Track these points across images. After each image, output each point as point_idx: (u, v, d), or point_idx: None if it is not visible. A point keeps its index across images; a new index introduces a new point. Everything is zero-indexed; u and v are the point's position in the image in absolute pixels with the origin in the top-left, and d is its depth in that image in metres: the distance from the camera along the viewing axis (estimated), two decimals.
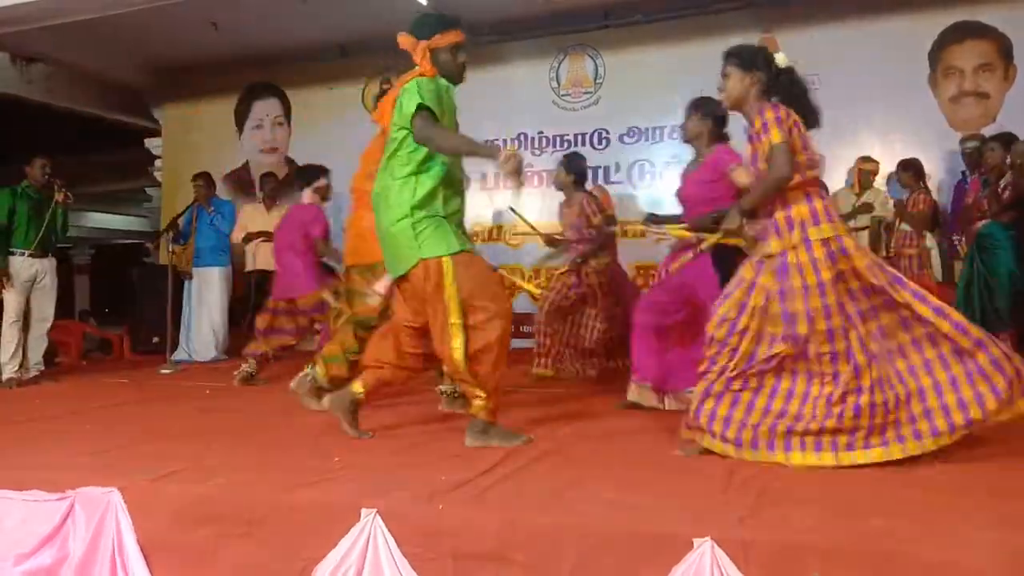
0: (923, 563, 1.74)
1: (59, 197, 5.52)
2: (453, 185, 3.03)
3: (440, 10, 6.72)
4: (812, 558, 1.80)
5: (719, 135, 3.71)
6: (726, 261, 3.36)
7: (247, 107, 8.64)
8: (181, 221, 6.71)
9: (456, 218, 3.05)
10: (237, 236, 6.93)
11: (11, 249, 5.38)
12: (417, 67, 3.02)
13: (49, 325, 5.59)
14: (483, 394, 2.92)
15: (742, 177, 3.36)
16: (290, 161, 8.46)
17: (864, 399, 2.55)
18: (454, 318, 2.86)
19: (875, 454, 2.55)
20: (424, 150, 2.92)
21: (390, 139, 3.01)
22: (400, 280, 3.04)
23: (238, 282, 7.18)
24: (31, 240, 5.40)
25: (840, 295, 2.62)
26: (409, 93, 2.91)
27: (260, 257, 6.93)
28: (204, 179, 6.95)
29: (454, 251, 2.89)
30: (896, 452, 2.55)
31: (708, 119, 3.67)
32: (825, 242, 2.64)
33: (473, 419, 2.97)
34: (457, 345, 2.86)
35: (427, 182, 2.93)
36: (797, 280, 2.63)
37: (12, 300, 5.35)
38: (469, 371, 2.88)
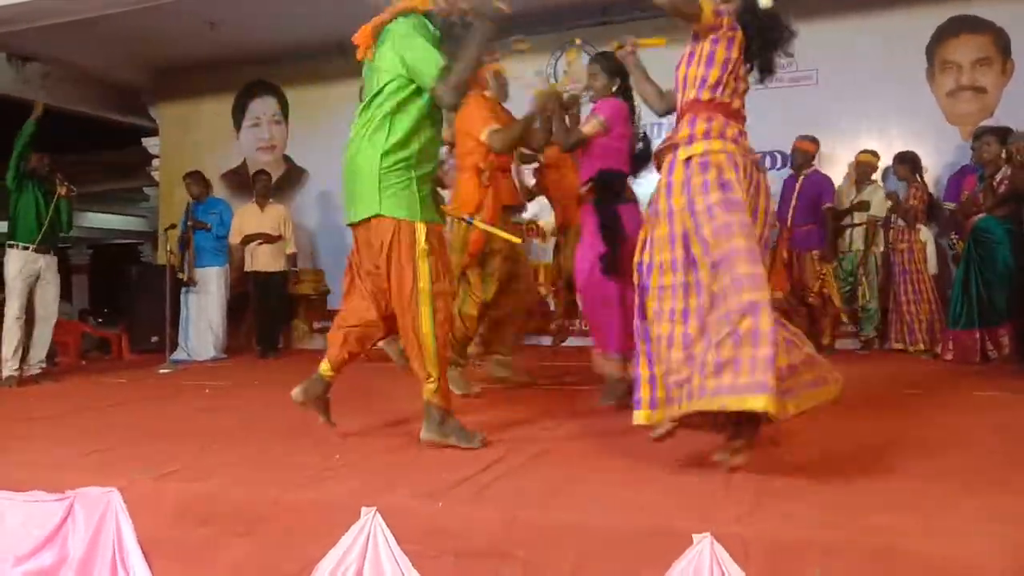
0: (924, 558, 1.74)
1: (62, 191, 5.52)
2: (432, 141, 2.84)
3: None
4: (813, 554, 1.80)
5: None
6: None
7: (244, 106, 8.63)
8: (178, 228, 6.79)
9: (429, 179, 2.84)
10: (235, 239, 6.94)
11: (13, 243, 5.37)
12: None
13: (54, 322, 5.59)
14: (436, 374, 2.74)
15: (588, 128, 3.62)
16: (288, 159, 8.46)
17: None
18: (423, 283, 2.69)
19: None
20: (408, 90, 2.73)
21: (376, 80, 2.77)
22: (356, 226, 2.84)
23: (237, 282, 7.20)
24: (35, 234, 5.38)
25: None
26: (411, 41, 2.68)
27: (259, 258, 6.94)
28: (193, 177, 7.00)
29: (427, 218, 2.74)
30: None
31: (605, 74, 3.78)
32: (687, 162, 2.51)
33: (428, 407, 2.78)
34: (426, 313, 2.69)
35: (404, 122, 2.74)
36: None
37: (14, 296, 5.34)
38: (432, 346, 2.72)
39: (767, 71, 2.74)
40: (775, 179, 6.56)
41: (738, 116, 2.62)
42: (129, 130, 9.65)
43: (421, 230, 2.73)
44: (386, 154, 2.72)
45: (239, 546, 2.25)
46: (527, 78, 4.37)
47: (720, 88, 2.58)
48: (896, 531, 1.85)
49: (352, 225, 2.87)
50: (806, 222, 5.93)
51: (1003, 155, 5.03)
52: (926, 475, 2.38)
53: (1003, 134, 5.14)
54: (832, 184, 6.05)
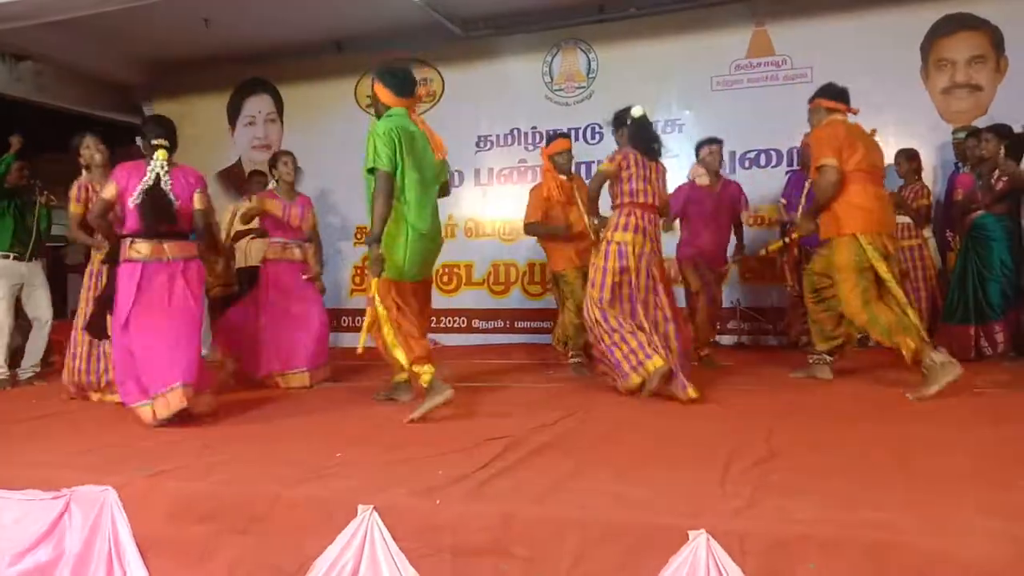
0: (921, 553, 1.75)
1: (41, 199, 5.54)
2: None
3: (434, 5, 6.76)
4: (809, 550, 1.80)
5: None
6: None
7: (239, 103, 8.60)
8: None
9: None
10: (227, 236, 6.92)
11: None
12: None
13: (49, 327, 5.56)
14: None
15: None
16: None
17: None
18: None
19: None
20: None
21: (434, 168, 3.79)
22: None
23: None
24: (13, 243, 5.37)
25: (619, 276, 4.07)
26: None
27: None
28: None
29: None
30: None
31: None
32: (616, 243, 4.10)
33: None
34: None
35: None
36: (599, 260, 4.13)
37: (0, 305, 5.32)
38: None
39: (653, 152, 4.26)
40: (771, 176, 6.60)
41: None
42: (123, 128, 9.61)
43: None
44: None
45: (236, 544, 2.25)
46: None
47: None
48: (893, 526, 1.85)
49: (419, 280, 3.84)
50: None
51: (1001, 152, 5.05)
52: (922, 471, 2.39)
53: (1000, 131, 5.15)
54: None
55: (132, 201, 3.70)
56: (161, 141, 3.81)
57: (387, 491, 2.26)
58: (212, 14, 7.01)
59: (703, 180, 5.46)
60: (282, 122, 8.44)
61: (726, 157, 6.68)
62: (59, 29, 6.48)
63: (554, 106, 7.33)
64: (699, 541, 1.84)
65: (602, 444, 2.93)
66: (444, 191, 3.95)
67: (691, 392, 3.72)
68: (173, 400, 3.51)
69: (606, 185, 4.29)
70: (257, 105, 8.52)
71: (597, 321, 4.02)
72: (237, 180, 8.26)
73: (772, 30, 6.68)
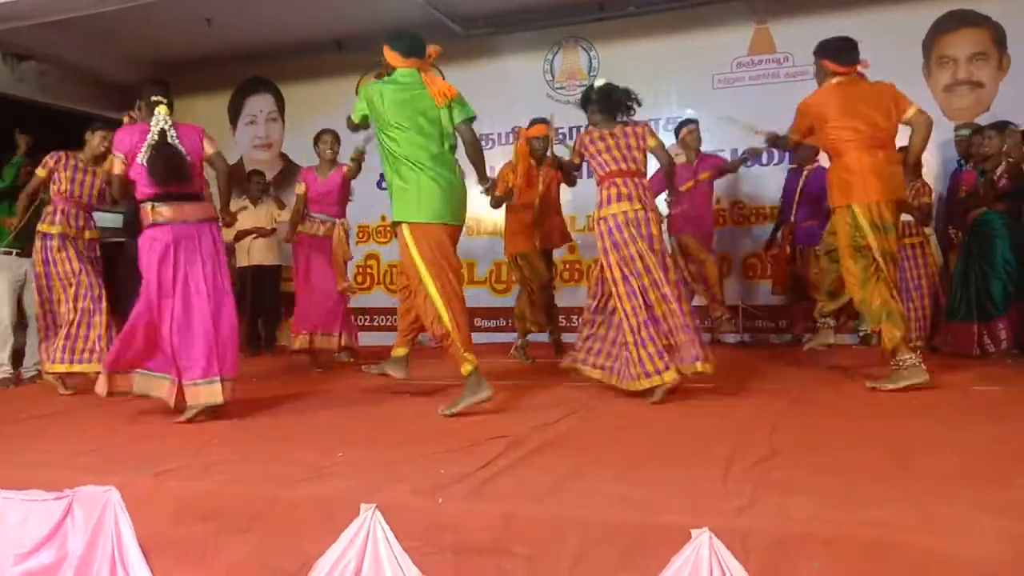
0: (923, 552, 1.74)
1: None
2: None
3: (435, 4, 6.76)
4: (811, 548, 1.80)
5: None
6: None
7: (240, 103, 8.61)
8: None
9: None
10: (228, 235, 6.93)
11: None
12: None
13: None
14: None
15: None
16: (284, 157, 8.43)
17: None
18: None
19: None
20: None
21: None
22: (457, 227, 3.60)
23: (230, 278, 7.20)
24: (17, 238, 5.38)
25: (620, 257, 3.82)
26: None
27: (254, 253, 6.94)
28: None
29: None
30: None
31: None
32: (603, 219, 3.91)
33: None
34: None
35: None
36: (598, 245, 3.93)
37: (3, 302, 5.33)
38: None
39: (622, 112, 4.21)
40: (772, 174, 6.60)
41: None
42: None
43: None
44: None
45: (238, 543, 2.25)
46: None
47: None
48: (895, 524, 1.85)
49: (455, 226, 3.58)
50: (808, 218, 5.94)
51: (1003, 149, 5.05)
52: (924, 469, 2.39)
53: (1003, 128, 5.15)
54: None
55: (140, 158, 3.49)
56: (159, 98, 3.61)
57: (389, 490, 2.26)
58: (213, 13, 7.01)
59: (681, 159, 5.64)
60: (283, 121, 8.45)
61: (727, 156, 6.69)
62: (61, 29, 6.48)
63: (555, 104, 7.30)
64: (702, 539, 1.84)
65: (603, 443, 2.93)
66: (471, 147, 3.66)
67: (700, 367, 3.64)
68: (207, 394, 3.47)
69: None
70: (258, 104, 8.53)
71: (627, 315, 3.79)
72: (238, 179, 8.25)
73: (774, 27, 6.68)
